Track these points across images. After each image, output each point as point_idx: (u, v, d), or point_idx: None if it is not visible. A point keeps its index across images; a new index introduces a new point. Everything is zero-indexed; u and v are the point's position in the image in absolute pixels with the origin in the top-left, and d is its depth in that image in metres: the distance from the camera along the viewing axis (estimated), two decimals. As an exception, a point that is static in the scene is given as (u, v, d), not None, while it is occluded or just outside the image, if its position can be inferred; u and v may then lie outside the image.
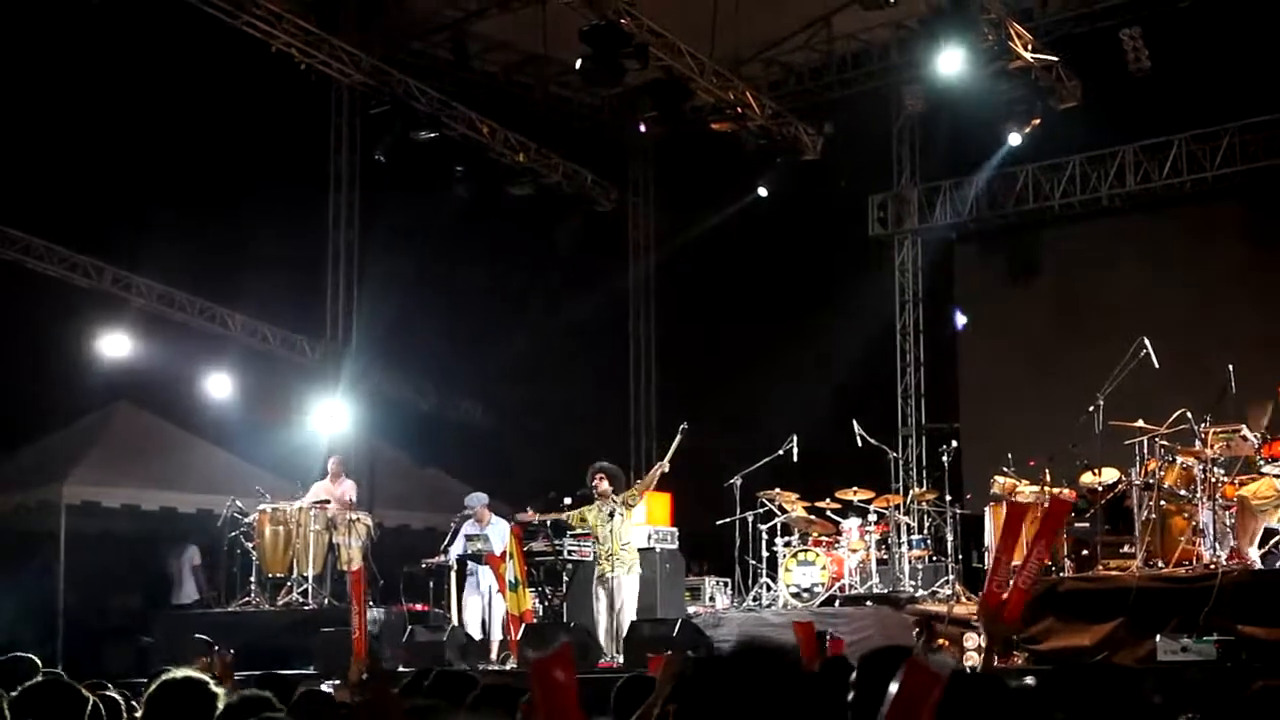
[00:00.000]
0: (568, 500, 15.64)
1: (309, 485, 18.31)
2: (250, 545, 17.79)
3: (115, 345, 20.60)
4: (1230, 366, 13.00)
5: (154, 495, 20.27)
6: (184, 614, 18.70)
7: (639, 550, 15.41)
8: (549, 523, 15.92)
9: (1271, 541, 12.76)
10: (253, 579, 17.78)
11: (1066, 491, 14.84)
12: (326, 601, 17.43)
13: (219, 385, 21.41)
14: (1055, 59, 17.29)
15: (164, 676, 5.21)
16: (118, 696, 6.61)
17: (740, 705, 2.31)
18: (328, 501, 17.89)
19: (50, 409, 21.01)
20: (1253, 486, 12.61)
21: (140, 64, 19.53)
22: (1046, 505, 13.12)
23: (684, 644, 13.28)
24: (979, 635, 12.87)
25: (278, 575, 17.69)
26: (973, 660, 12.42)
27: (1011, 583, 11.99)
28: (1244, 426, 12.73)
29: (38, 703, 5.38)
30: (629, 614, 14.63)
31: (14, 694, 5.43)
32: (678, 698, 2.32)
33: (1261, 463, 12.60)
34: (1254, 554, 12.53)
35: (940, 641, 13.12)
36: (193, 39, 18.79)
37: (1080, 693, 3.77)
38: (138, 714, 5.61)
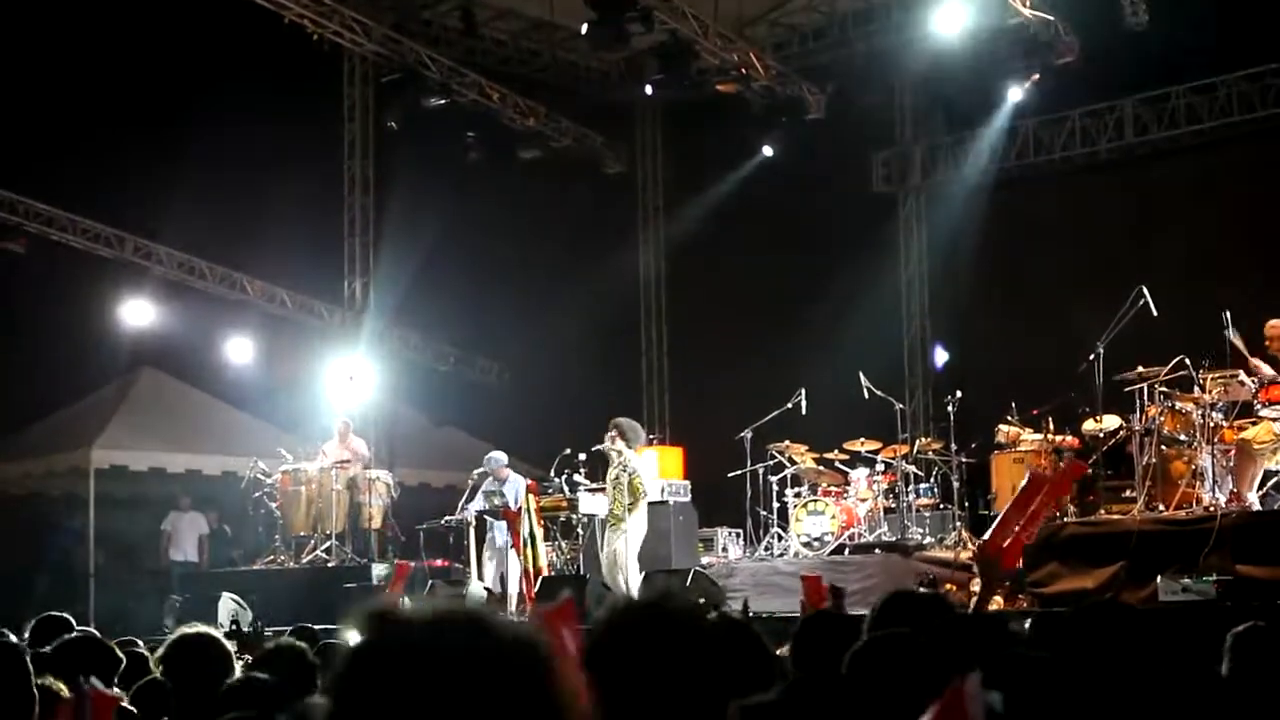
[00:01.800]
0: (582, 455, 15.98)
1: (321, 447, 18.56)
2: (274, 505, 18.17)
3: (138, 313, 20.90)
4: (1227, 313, 13.19)
5: (179, 458, 20.60)
6: (212, 574, 19.11)
7: (654, 504, 15.76)
8: (568, 474, 16.27)
9: (1270, 483, 13.10)
10: (277, 537, 18.17)
11: (1070, 439, 15.21)
12: (350, 559, 17.83)
13: (240, 350, 21.72)
14: (1051, 19, 17.49)
15: (179, 633, 5.41)
16: (146, 653, 6.92)
17: (649, 666, 2.38)
18: (349, 461, 18.24)
19: (76, 376, 21.34)
20: (1253, 431, 12.90)
21: (157, 38, 19.82)
22: (1063, 466, 13.55)
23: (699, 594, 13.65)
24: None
25: (301, 534, 18.04)
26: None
27: (1013, 534, 12.44)
28: (1241, 372, 13.04)
29: (72, 658, 5.63)
30: (633, 561, 14.99)
31: (48, 650, 5.69)
32: (589, 664, 2.26)
33: (1259, 407, 12.88)
34: (1252, 496, 12.88)
35: (948, 586, 13.45)
36: (208, 11, 19.10)
37: (1069, 634, 4.08)
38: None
